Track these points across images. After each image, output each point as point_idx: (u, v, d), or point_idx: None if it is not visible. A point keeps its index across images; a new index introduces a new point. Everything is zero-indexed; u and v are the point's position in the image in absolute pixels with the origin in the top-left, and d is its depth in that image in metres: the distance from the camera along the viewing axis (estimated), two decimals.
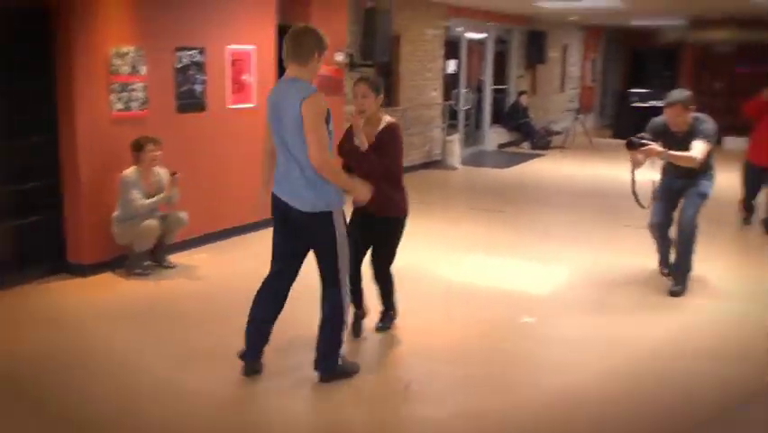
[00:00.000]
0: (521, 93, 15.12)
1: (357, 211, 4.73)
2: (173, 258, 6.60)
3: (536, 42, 15.60)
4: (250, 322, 4.33)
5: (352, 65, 9.89)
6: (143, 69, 6.37)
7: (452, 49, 13.37)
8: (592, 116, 19.60)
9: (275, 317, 4.35)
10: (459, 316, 5.49)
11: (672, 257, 6.14)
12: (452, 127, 13.15)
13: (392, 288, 5.02)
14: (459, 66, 13.67)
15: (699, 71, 16.99)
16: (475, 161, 13.24)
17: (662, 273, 6.31)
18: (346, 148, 4.64)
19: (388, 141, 4.61)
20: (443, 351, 4.83)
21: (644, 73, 21.16)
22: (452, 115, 13.23)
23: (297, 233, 4.14)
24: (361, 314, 5.00)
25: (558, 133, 16.64)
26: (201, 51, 6.90)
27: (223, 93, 7.23)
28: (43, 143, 6.05)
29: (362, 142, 4.53)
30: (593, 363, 4.68)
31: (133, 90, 6.30)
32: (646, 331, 5.25)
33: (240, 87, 7.41)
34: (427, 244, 7.27)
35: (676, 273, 6.03)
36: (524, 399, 4.21)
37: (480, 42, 14.80)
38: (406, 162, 11.52)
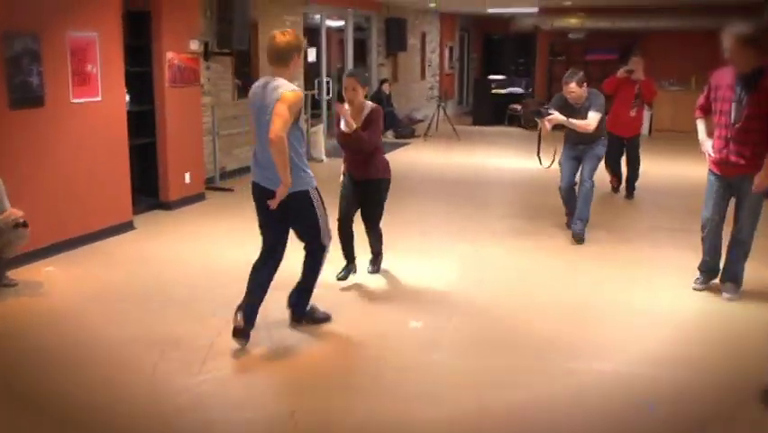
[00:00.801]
0: (383, 81, 14.88)
1: (350, 177, 5.71)
2: (14, 274, 5.82)
3: (396, 30, 15.42)
4: (249, 292, 4.65)
5: (207, 54, 9.27)
6: None
7: (312, 36, 12.92)
8: (452, 104, 19.72)
9: (265, 291, 4.68)
10: (342, 325, 5.10)
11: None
12: (315, 118, 12.72)
13: (381, 239, 5.93)
14: (319, 54, 13.25)
15: (553, 59, 17.36)
16: (341, 152, 12.81)
17: (567, 226, 7.40)
18: (336, 132, 5.69)
19: (376, 119, 5.47)
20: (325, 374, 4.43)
21: (499, 60, 21.55)
22: (314, 105, 12.79)
23: (280, 214, 4.50)
24: (352, 267, 5.83)
25: (420, 121, 16.56)
26: (35, 38, 6.11)
27: (64, 85, 6.47)
28: None
29: (350, 125, 5.39)
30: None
31: None
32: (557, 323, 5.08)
33: (84, 79, 6.66)
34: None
35: (578, 222, 7.07)
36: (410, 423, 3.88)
37: (340, 30, 14.44)
38: None
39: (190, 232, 7.46)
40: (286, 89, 4.33)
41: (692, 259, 5.84)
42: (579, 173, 7.20)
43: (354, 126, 5.39)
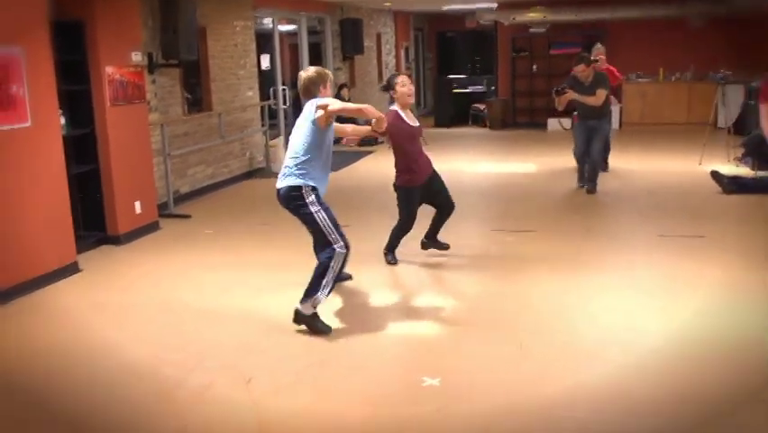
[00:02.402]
0: (341, 86, 14.04)
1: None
2: None
3: (351, 32, 14.57)
4: None
5: (152, 66, 8.30)
6: None
7: (264, 42, 12.02)
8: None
9: None
10: (343, 385, 4.24)
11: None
12: (273, 128, 11.80)
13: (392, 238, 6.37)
14: (273, 61, 12.33)
15: (515, 54, 16.69)
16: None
17: (579, 186, 9.22)
18: (399, 127, 6.05)
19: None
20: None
21: (455, 59, 20.86)
22: (271, 114, 11.86)
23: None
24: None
25: None
26: None
27: None
28: None
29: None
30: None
31: None
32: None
33: (7, 103, 5.68)
34: (273, 282, 5.98)
35: (589, 182, 8.95)
36: None
37: (293, 34, 13.54)
38: (224, 174, 10.22)
39: (144, 270, 6.50)
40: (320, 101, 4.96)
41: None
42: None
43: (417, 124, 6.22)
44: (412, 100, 6.16)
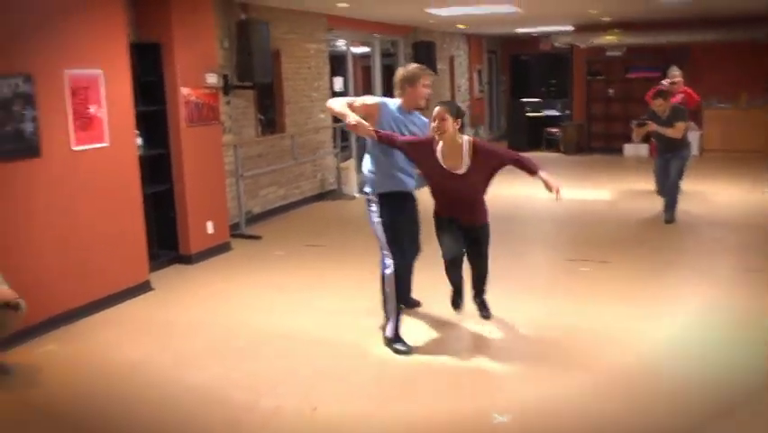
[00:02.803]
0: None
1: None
2: (7, 357, 4.91)
3: (425, 54, 14.48)
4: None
5: (227, 88, 8.39)
6: None
7: (337, 65, 12.05)
8: (483, 129, 18.78)
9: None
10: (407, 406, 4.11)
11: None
12: (344, 150, 11.80)
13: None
14: (346, 83, 12.36)
15: (591, 78, 16.36)
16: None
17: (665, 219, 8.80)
18: (431, 172, 4.97)
19: (489, 148, 5.14)
20: None
21: (529, 82, 20.59)
22: (343, 137, 11.87)
23: None
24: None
25: None
26: (27, 79, 5.23)
27: (64, 131, 5.59)
28: None
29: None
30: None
31: None
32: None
33: (87, 123, 5.78)
34: (345, 305, 5.89)
35: (667, 211, 8.77)
36: None
37: (366, 56, 13.57)
38: (296, 195, 10.24)
39: (215, 292, 6.50)
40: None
41: None
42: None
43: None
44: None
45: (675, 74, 10.23)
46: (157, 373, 4.71)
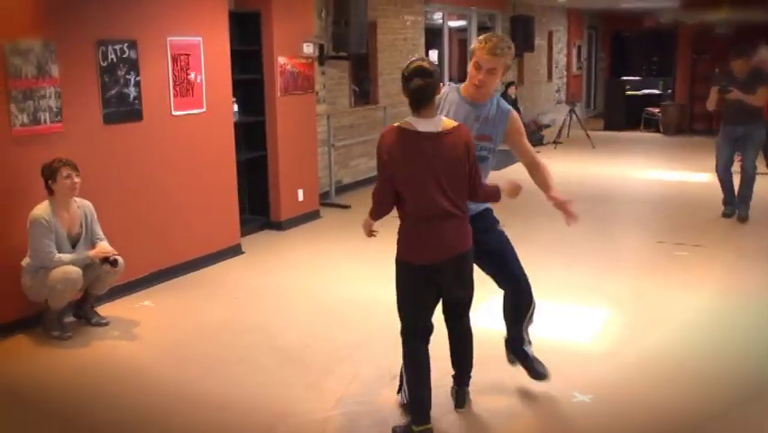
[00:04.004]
0: (509, 84, 13.77)
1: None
2: (107, 309, 5.17)
3: (522, 29, 14.26)
4: None
5: (322, 58, 8.48)
6: (55, 70, 4.91)
7: (432, 38, 12.00)
8: (580, 107, 18.36)
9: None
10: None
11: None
12: None
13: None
14: (441, 56, 12.30)
15: (696, 57, 15.73)
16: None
17: (724, 214, 7.83)
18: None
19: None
20: None
21: (630, 59, 19.99)
22: None
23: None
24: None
25: (548, 126, 15.39)
26: (132, 45, 5.44)
27: (164, 97, 5.79)
28: None
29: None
30: None
31: (42, 97, 4.84)
32: None
33: (186, 89, 5.96)
34: None
35: (741, 205, 7.70)
36: None
37: (462, 30, 13.45)
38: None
39: (303, 258, 6.65)
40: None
41: None
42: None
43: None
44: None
45: (761, 56, 9.21)
46: (240, 334, 4.86)
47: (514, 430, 3.63)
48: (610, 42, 20.47)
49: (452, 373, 3.75)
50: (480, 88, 3.57)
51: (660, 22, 16.39)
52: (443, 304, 3.59)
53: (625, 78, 17.94)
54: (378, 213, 3.55)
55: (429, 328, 3.51)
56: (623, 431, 3.63)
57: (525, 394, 3.97)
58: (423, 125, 3.35)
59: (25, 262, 4.70)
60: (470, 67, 3.61)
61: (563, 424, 3.71)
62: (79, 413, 3.86)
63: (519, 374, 4.03)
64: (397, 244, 3.52)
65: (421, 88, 3.32)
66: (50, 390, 4.13)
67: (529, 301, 3.91)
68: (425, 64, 3.39)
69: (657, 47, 19.05)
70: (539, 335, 4.75)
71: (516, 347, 3.97)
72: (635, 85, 17.29)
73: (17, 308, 4.80)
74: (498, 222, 3.91)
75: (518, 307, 3.90)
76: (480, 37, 3.62)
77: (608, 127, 16.36)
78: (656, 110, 16.05)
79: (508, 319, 3.96)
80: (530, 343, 4.00)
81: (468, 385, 3.77)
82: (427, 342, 3.52)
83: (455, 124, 3.42)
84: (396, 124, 3.45)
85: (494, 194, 3.54)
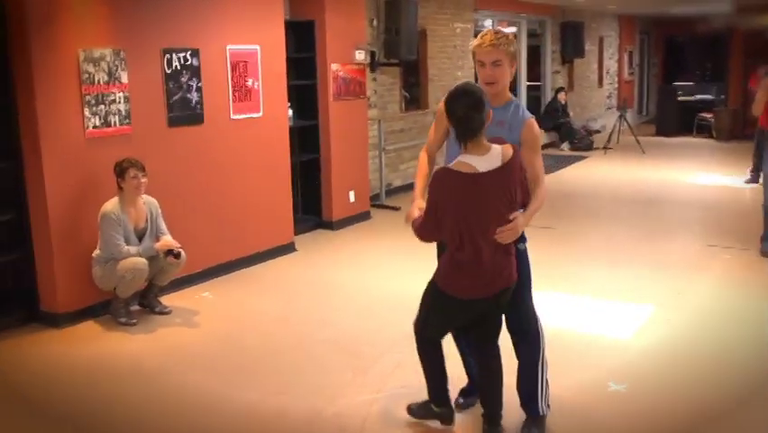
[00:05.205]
0: (559, 90, 13.92)
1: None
2: (170, 299, 5.53)
3: (573, 35, 14.38)
4: None
5: (374, 64, 8.77)
6: (124, 76, 5.29)
7: None
8: (631, 112, 18.30)
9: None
10: None
11: None
12: None
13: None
14: None
15: (749, 61, 15.59)
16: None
17: (763, 252, 6.55)
18: None
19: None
20: None
21: (683, 65, 19.86)
22: None
23: None
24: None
25: (598, 131, 15.43)
26: (195, 53, 5.80)
27: (224, 102, 6.14)
28: (3, 170, 5.00)
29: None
30: None
31: (113, 102, 5.23)
32: None
33: (244, 95, 6.31)
34: None
35: None
36: None
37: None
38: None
39: (353, 256, 6.94)
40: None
41: None
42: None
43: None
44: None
45: None
46: (293, 325, 5.18)
47: (549, 416, 3.82)
48: (663, 48, 20.36)
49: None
50: (491, 86, 3.35)
51: (713, 27, 16.30)
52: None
53: (677, 83, 17.84)
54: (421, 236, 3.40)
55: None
56: (656, 420, 3.78)
57: (561, 381, 4.16)
58: (483, 164, 3.12)
59: (96, 253, 5.08)
60: (476, 69, 3.43)
61: (597, 411, 3.88)
62: (144, 390, 4.19)
63: (553, 359, 4.22)
64: (440, 274, 3.37)
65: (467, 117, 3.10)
66: (117, 370, 4.47)
67: (536, 358, 3.57)
68: (468, 89, 3.15)
69: (711, 52, 18.90)
70: (579, 329, 4.96)
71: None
72: (687, 90, 17.19)
73: (88, 296, 5.19)
74: (522, 240, 3.46)
75: (523, 365, 3.59)
76: (476, 37, 3.43)
77: (659, 133, 16.32)
78: (709, 115, 15.96)
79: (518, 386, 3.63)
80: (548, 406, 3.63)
81: (499, 426, 3.48)
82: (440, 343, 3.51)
83: (507, 145, 3.21)
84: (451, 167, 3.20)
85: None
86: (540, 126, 3.63)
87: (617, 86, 17.96)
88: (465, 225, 3.17)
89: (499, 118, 3.36)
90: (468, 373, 3.86)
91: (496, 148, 3.17)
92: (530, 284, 3.57)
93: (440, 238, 3.38)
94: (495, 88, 3.37)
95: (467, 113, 3.10)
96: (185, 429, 3.80)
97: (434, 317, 3.44)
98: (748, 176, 10.21)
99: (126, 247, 4.98)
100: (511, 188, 3.18)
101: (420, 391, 3.72)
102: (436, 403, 3.59)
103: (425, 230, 3.33)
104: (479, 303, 3.32)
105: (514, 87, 13.34)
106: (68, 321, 5.10)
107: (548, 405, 3.63)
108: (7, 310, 5.13)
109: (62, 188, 5.01)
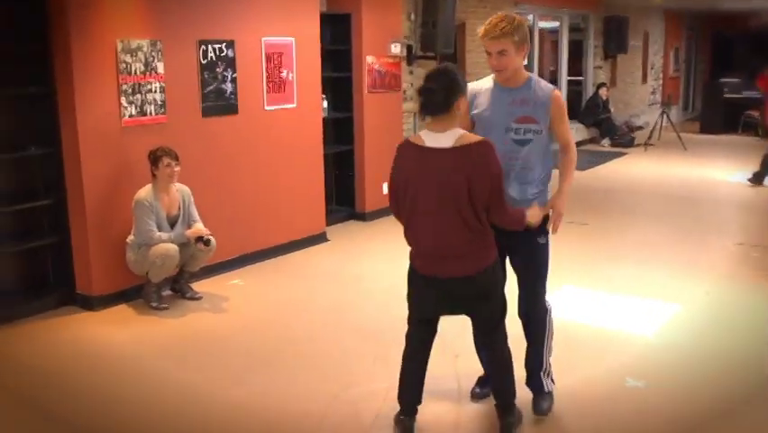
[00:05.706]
0: (600, 86, 13.78)
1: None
2: (201, 285, 5.66)
3: (616, 30, 14.20)
4: None
5: (410, 58, 8.80)
6: (160, 67, 5.43)
7: None
8: (676, 109, 18.05)
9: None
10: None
11: None
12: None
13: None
14: (531, 58, 12.43)
15: None
16: None
17: None
18: None
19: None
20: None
21: (730, 61, 19.48)
22: None
23: None
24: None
25: (640, 128, 15.25)
26: (230, 44, 5.92)
27: (258, 93, 6.25)
28: (43, 157, 5.18)
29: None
30: None
31: (149, 92, 5.37)
32: None
33: (278, 86, 6.41)
34: None
35: None
36: None
37: (553, 31, 13.53)
38: None
39: (384, 247, 6.99)
40: None
41: None
42: None
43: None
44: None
45: None
46: (320, 312, 5.29)
47: (565, 408, 3.84)
48: (710, 43, 20.00)
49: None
50: (501, 72, 3.43)
51: (765, 22, 15.96)
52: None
53: (724, 80, 17.52)
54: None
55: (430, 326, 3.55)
56: (671, 418, 3.78)
57: (579, 373, 4.19)
58: (432, 140, 3.19)
59: (129, 239, 5.23)
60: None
61: (613, 405, 3.89)
62: (172, 371, 4.32)
63: (570, 353, 4.25)
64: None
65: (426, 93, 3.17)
66: (148, 351, 4.62)
67: (540, 341, 3.74)
68: (441, 68, 3.25)
69: (761, 48, 18.49)
70: (603, 324, 4.97)
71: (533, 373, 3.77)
72: (734, 87, 16.86)
73: (122, 280, 5.35)
74: (543, 233, 3.65)
75: (528, 346, 3.77)
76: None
77: (704, 130, 16.06)
78: (756, 113, 15.64)
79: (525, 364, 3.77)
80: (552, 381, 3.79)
81: (512, 416, 3.50)
82: (427, 334, 3.56)
83: (470, 135, 3.21)
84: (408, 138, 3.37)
85: (518, 220, 3.40)
86: (580, 122, 3.71)
87: (661, 82, 17.71)
88: (411, 197, 3.25)
89: (522, 97, 3.44)
90: (483, 365, 3.91)
91: (456, 132, 3.16)
92: (544, 276, 3.69)
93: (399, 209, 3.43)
94: (504, 75, 3.44)
95: (429, 89, 3.16)
96: (206, 407, 3.91)
97: (409, 291, 3.55)
98: None
99: (158, 234, 5.12)
100: (457, 175, 3.11)
101: (441, 381, 3.77)
102: (401, 411, 3.51)
103: (390, 201, 3.44)
104: (438, 281, 3.33)
105: (555, 81, 13.26)
106: (103, 304, 5.27)
107: (552, 380, 3.79)
108: (46, 292, 5.32)
109: (98, 174, 5.17)
